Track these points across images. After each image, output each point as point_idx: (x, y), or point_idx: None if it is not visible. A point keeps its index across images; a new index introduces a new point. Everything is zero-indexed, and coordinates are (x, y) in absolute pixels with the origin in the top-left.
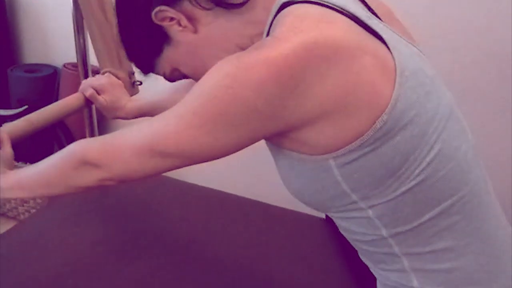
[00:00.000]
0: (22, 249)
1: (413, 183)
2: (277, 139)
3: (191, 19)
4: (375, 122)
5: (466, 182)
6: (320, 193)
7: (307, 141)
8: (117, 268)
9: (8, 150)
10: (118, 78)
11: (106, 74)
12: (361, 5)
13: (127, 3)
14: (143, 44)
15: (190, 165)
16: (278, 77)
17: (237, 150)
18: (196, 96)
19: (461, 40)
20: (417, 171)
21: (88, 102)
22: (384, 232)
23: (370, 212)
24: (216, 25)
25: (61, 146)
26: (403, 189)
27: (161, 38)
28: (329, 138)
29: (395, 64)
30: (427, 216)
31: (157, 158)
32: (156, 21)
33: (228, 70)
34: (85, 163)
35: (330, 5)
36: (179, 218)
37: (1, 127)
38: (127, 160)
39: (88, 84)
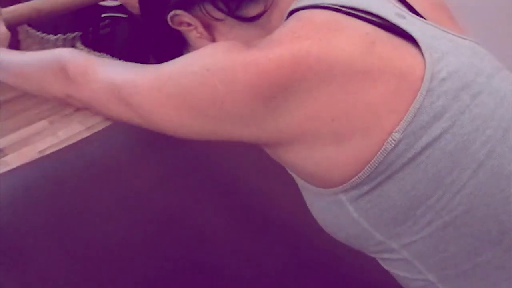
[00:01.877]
0: None
1: (454, 213)
2: (287, 167)
3: (207, 26)
4: (383, 145)
5: None
6: (343, 231)
7: (309, 171)
8: None
9: (2, 30)
10: None
11: None
12: (393, 1)
13: (146, 5)
14: (164, 47)
15: (150, 129)
16: (254, 81)
17: (200, 139)
18: (181, 63)
19: None
20: (458, 198)
21: None
22: (430, 277)
23: (405, 253)
24: (233, 35)
25: None
26: (440, 222)
27: (180, 43)
28: (328, 168)
29: (424, 69)
30: (484, 256)
31: (122, 105)
32: (173, 26)
33: (217, 54)
34: (63, 73)
35: (344, 9)
36: None
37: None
38: (97, 91)
39: None
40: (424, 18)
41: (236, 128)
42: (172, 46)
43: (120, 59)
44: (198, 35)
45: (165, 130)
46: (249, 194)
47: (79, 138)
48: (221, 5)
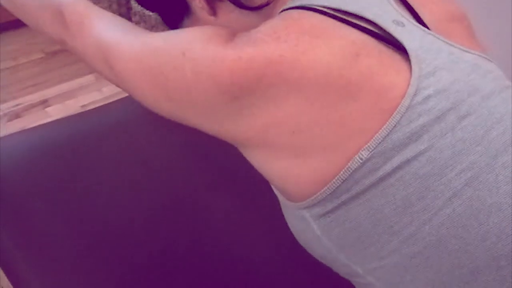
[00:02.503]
0: None
1: (422, 244)
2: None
3: (210, 1)
4: (347, 163)
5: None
6: (311, 249)
7: (272, 179)
8: None
9: None
10: None
11: None
12: (395, 6)
13: None
14: (165, 10)
15: (128, 94)
16: (219, 78)
17: (170, 118)
18: (166, 40)
19: None
20: (427, 228)
21: None
22: None
23: (371, 279)
24: (234, 17)
25: None
26: (407, 251)
27: (182, 9)
28: (288, 182)
29: (408, 85)
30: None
31: (106, 66)
32: None
33: (196, 41)
34: (61, 17)
35: (338, 14)
36: None
37: None
38: (87, 44)
39: None
40: (427, 28)
41: (199, 120)
42: (174, 9)
43: None
44: (200, 5)
45: (141, 102)
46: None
47: (123, 95)
48: None
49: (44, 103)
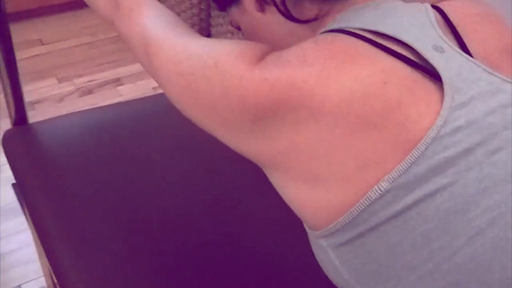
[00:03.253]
0: None
1: (440, 283)
2: None
3: None
4: (366, 193)
5: None
6: (331, 278)
7: (289, 203)
8: None
9: None
10: None
11: None
12: (439, 30)
13: None
14: None
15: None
16: (245, 97)
17: (197, 125)
18: (205, 46)
19: None
20: (445, 267)
21: None
22: None
23: None
24: (280, 20)
25: None
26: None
27: None
28: (302, 208)
29: (438, 115)
30: None
31: (146, 58)
32: None
33: (231, 55)
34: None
35: (374, 38)
36: None
37: None
38: (133, 32)
39: None
40: (471, 55)
41: (223, 133)
42: None
43: None
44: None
45: (172, 102)
46: None
47: None
48: None
49: (117, 81)
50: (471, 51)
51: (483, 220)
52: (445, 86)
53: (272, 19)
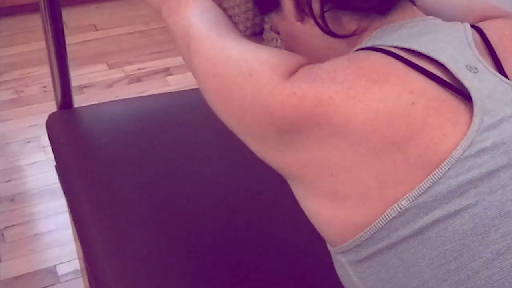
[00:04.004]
0: None
1: None
2: None
3: (300, 7)
4: (385, 211)
5: None
6: None
7: (310, 217)
8: None
9: None
10: None
11: None
12: (475, 50)
13: None
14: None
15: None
16: (272, 110)
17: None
18: (244, 53)
19: None
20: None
21: None
22: None
23: None
24: (318, 32)
25: None
26: None
27: (271, 4)
28: (321, 222)
29: (464, 136)
30: None
31: (186, 53)
32: None
33: (265, 65)
34: None
35: (408, 56)
36: None
37: None
38: (178, 24)
39: None
40: (506, 76)
41: (249, 140)
42: (262, 3)
43: None
44: (290, 7)
45: (206, 100)
46: None
47: None
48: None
49: (166, 71)
50: (508, 72)
51: (503, 245)
52: (475, 107)
53: (310, 30)
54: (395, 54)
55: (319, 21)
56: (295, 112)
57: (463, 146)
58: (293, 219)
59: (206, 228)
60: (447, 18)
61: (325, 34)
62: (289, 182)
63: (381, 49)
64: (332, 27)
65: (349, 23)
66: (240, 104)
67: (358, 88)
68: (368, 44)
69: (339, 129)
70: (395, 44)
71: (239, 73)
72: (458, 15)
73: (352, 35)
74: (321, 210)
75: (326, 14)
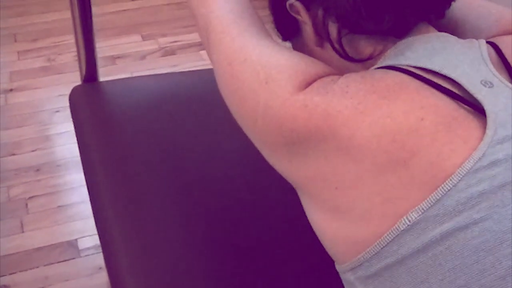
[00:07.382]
0: None
1: None
2: None
3: (319, 33)
4: (392, 226)
5: None
6: None
7: (315, 230)
8: None
9: None
10: None
11: None
12: (490, 65)
13: None
14: (279, 25)
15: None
16: (283, 120)
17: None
18: (262, 56)
19: None
20: None
21: None
22: None
23: None
24: (337, 57)
25: None
26: None
27: (293, 30)
28: (326, 237)
29: (475, 149)
30: None
31: (206, 43)
32: (290, 12)
33: (281, 75)
34: None
35: (421, 73)
36: None
37: None
38: (201, 11)
39: None
40: None
41: (259, 145)
42: (286, 27)
43: None
44: (309, 32)
45: (222, 95)
46: None
47: None
48: (330, 21)
49: (201, 45)
50: None
51: None
52: (488, 120)
53: (330, 55)
54: (410, 71)
55: (336, 46)
56: (305, 125)
57: (475, 158)
58: None
59: (223, 206)
60: (472, 26)
61: (342, 59)
62: (297, 192)
63: (397, 67)
64: (350, 51)
65: (366, 47)
66: (253, 110)
67: (368, 104)
68: (383, 64)
69: (345, 144)
70: (409, 63)
71: (256, 79)
72: (482, 25)
73: (368, 59)
74: (324, 224)
75: (343, 39)
